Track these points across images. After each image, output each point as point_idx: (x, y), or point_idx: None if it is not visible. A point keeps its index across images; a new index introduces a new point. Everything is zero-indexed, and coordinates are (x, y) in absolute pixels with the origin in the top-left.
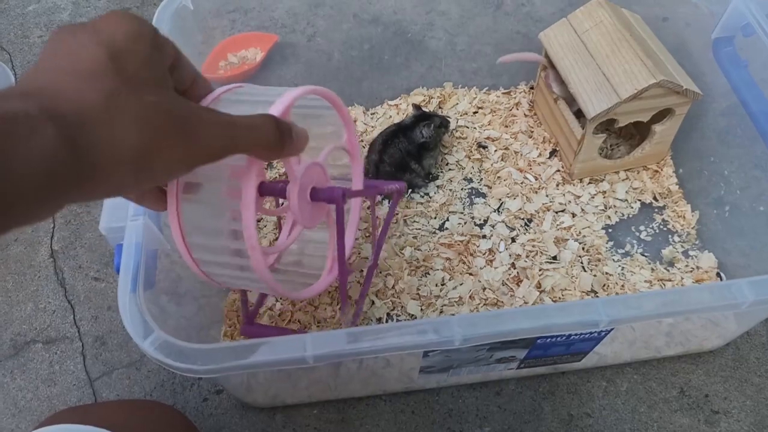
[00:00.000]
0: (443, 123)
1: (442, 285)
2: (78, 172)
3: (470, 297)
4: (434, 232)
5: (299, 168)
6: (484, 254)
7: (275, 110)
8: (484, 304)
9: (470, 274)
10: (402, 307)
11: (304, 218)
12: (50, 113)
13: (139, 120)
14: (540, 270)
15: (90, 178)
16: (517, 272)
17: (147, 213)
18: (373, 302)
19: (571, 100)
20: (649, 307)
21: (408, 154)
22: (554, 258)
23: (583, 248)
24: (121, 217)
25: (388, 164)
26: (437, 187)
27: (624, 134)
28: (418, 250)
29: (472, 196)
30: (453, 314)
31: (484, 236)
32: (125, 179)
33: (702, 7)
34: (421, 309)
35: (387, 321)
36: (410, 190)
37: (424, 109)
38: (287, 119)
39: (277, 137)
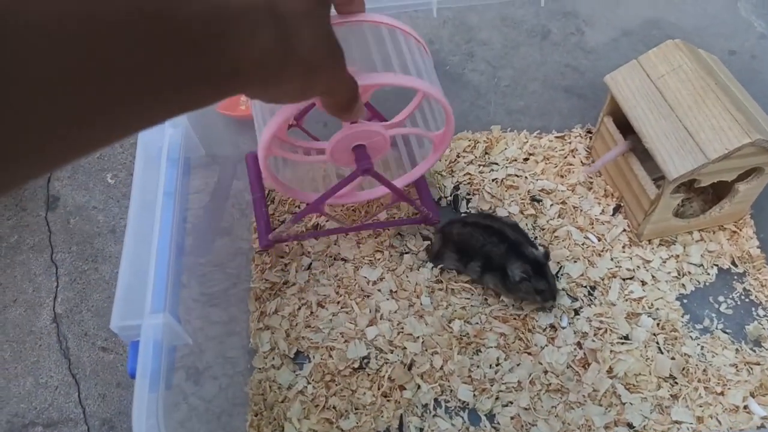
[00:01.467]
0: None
1: (497, 366)
2: (281, 67)
3: (530, 382)
4: (485, 302)
5: (353, 126)
6: (544, 330)
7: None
8: (547, 391)
9: (528, 353)
10: (452, 391)
11: (335, 158)
12: (272, 12)
13: (321, 39)
14: (611, 352)
15: (284, 72)
16: (584, 353)
17: (167, 308)
18: (419, 386)
19: (639, 151)
20: None
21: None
22: (626, 337)
23: (657, 324)
24: (136, 312)
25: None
26: None
27: (697, 188)
28: (468, 323)
29: None
30: (511, 402)
31: (543, 308)
32: (296, 83)
33: None
34: (474, 395)
35: (434, 408)
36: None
37: (528, 231)
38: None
39: (346, 105)
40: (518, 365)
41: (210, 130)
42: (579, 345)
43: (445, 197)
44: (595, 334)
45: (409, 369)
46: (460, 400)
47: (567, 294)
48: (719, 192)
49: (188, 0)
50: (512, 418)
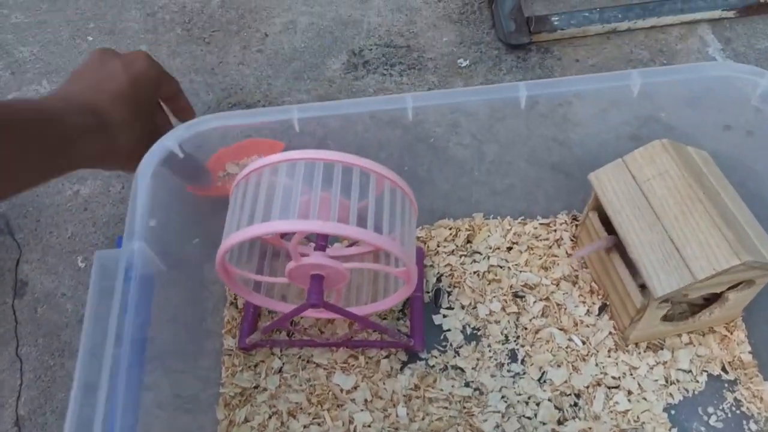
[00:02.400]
0: None
1: None
2: (106, 154)
3: None
4: (464, 409)
5: (308, 259)
6: None
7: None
8: None
9: None
10: None
11: (296, 282)
12: (100, 124)
13: (140, 138)
14: None
15: (110, 157)
16: None
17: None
18: None
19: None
20: None
21: None
22: None
23: None
24: None
25: None
26: (468, 343)
27: None
28: None
29: (509, 361)
30: None
31: (528, 417)
32: (120, 162)
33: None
34: None
35: None
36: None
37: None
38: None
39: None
40: None
41: (177, 235)
42: None
43: (427, 292)
44: None
45: None
46: None
47: (553, 405)
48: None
49: (58, 122)
50: None
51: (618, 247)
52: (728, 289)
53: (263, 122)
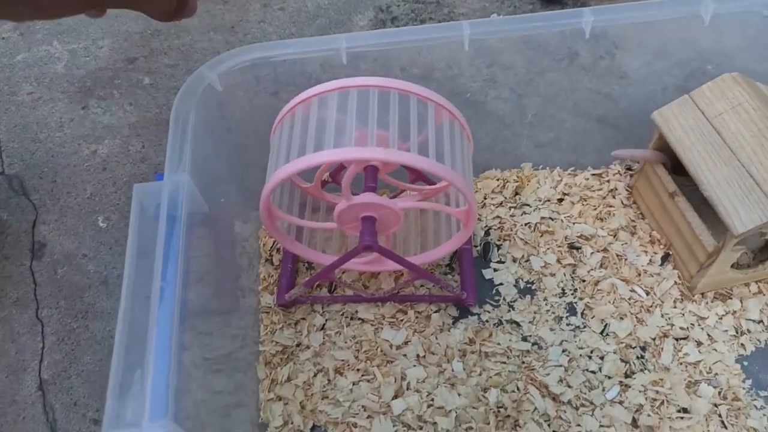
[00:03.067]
0: None
1: None
2: None
3: None
4: (523, 363)
5: (359, 197)
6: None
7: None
8: None
9: (579, 425)
10: None
11: (344, 227)
12: None
13: None
14: (670, 429)
15: None
16: (641, 430)
17: (170, 413)
18: None
19: (692, 196)
20: None
21: None
22: (685, 410)
23: (719, 393)
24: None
25: None
26: (522, 297)
27: None
28: (505, 392)
29: (568, 314)
30: None
31: (592, 371)
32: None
33: None
34: None
35: None
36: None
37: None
38: None
39: (166, 15)
40: None
41: (214, 180)
42: (634, 422)
43: (475, 246)
44: (651, 407)
45: None
46: None
47: (619, 358)
48: None
49: None
50: None
51: (683, 190)
52: None
53: (308, 52)
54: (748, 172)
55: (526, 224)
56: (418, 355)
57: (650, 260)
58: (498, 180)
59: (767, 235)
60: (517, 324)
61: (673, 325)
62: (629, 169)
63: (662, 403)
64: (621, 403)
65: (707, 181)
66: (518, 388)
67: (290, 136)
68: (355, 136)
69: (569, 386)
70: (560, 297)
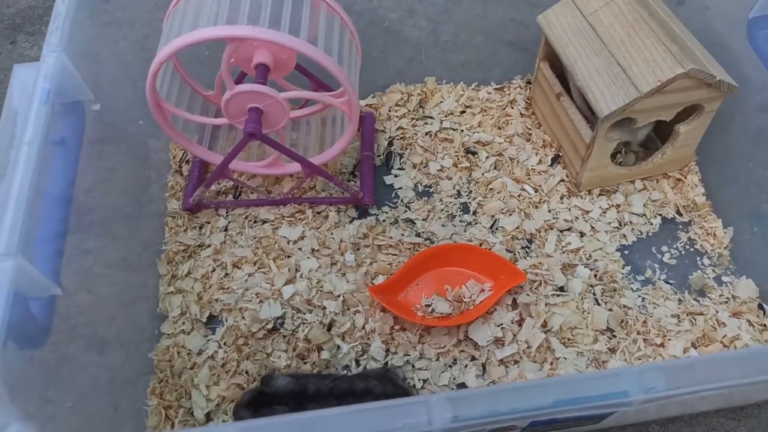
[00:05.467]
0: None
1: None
2: None
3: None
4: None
5: (242, 86)
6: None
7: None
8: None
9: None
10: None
11: (232, 119)
12: None
13: None
14: (546, 305)
15: None
16: (520, 310)
17: (21, 252)
18: (338, 347)
19: (578, 97)
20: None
21: None
22: (561, 289)
23: (595, 275)
24: None
25: None
26: (419, 199)
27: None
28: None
29: (461, 213)
30: (439, 357)
31: None
32: None
33: None
34: (388, 352)
35: (356, 368)
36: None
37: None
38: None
39: None
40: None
41: (116, 116)
42: (513, 301)
43: (378, 155)
44: (530, 288)
45: (329, 329)
46: (373, 358)
47: (504, 248)
48: (663, 138)
49: None
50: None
51: (568, 92)
52: (677, 121)
53: None
54: (616, 61)
55: (426, 133)
56: (312, 249)
57: (540, 160)
58: (402, 93)
59: (638, 122)
60: (412, 222)
61: (558, 218)
62: (529, 83)
63: (540, 283)
64: None
65: (580, 72)
66: None
67: (171, 23)
68: (228, 15)
69: None
70: (455, 198)
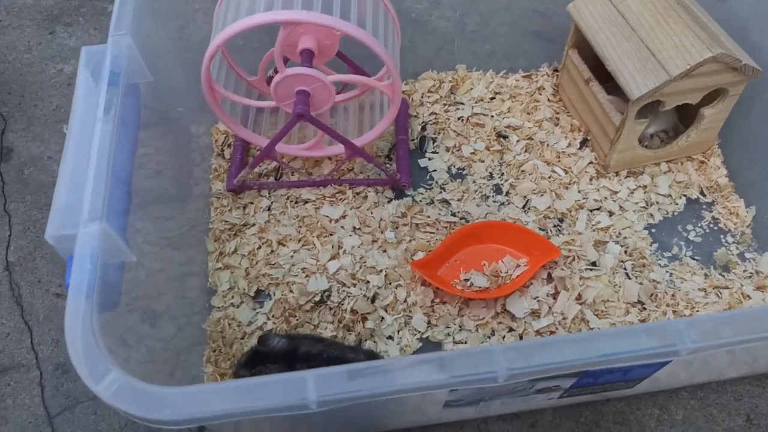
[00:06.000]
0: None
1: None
2: None
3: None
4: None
5: (291, 69)
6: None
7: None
8: (510, 330)
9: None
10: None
11: (280, 102)
12: None
13: None
14: (580, 279)
15: None
16: (555, 284)
17: (105, 217)
18: (382, 318)
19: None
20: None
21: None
22: (594, 264)
23: (625, 252)
24: (72, 222)
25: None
26: (453, 181)
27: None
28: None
29: (494, 194)
30: (478, 329)
31: None
32: None
33: None
34: (429, 324)
35: (400, 339)
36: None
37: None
38: None
39: None
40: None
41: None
42: (549, 276)
43: (412, 140)
44: (564, 263)
45: (372, 301)
46: (415, 329)
47: (537, 226)
48: (688, 121)
49: None
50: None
51: (597, 76)
52: (702, 104)
53: None
54: (645, 46)
55: (458, 118)
56: (354, 227)
57: (569, 144)
58: (434, 81)
59: (666, 105)
60: (447, 202)
61: (587, 198)
62: (556, 70)
63: (573, 258)
64: None
65: (611, 57)
66: None
67: (226, 10)
68: (282, 2)
69: None
70: (488, 180)
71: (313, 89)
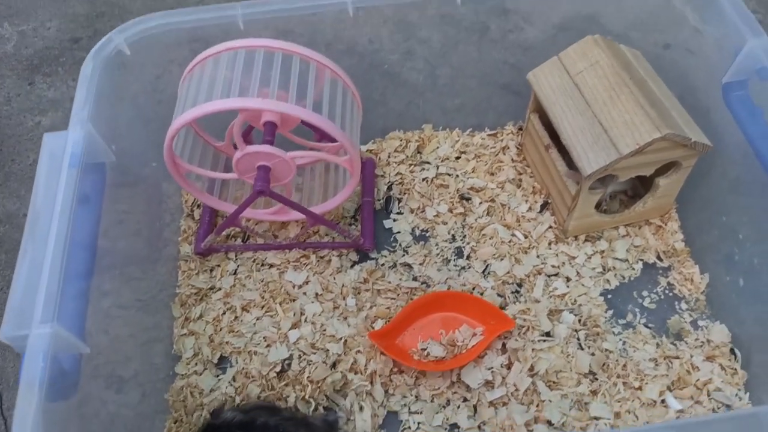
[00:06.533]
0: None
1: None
2: None
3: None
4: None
5: (252, 147)
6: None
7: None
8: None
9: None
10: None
11: (243, 176)
12: None
13: None
14: (533, 351)
15: None
16: (509, 354)
17: (57, 318)
18: (346, 379)
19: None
20: None
21: None
22: (548, 334)
23: (579, 320)
24: (25, 323)
25: None
26: (416, 243)
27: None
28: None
29: (455, 257)
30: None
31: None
32: None
33: (707, 35)
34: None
35: (359, 411)
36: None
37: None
38: None
39: None
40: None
41: (132, 160)
42: (503, 346)
43: (378, 200)
44: (518, 333)
45: (333, 368)
46: (374, 398)
47: (496, 292)
48: (645, 187)
49: None
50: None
51: (556, 143)
52: (657, 175)
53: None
54: (599, 121)
55: (423, 179)
56: (316, 293)
57: (530, 208)
58: (401, 140)
59: (620, 178)
60: (409, 266)
61: (545, 263)
62: (521, 129)
63: (528, 329)
64: None
65: (565, 130)
66: None
67: (186, 93)
68: (240, 87)
69: None
70: (450, 242)
71: (274, 164)
